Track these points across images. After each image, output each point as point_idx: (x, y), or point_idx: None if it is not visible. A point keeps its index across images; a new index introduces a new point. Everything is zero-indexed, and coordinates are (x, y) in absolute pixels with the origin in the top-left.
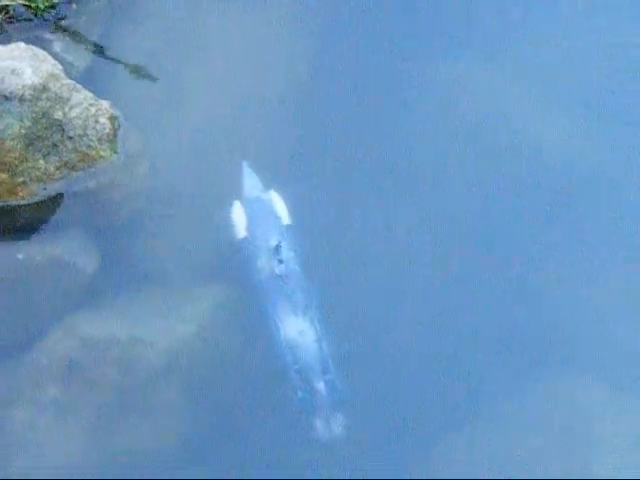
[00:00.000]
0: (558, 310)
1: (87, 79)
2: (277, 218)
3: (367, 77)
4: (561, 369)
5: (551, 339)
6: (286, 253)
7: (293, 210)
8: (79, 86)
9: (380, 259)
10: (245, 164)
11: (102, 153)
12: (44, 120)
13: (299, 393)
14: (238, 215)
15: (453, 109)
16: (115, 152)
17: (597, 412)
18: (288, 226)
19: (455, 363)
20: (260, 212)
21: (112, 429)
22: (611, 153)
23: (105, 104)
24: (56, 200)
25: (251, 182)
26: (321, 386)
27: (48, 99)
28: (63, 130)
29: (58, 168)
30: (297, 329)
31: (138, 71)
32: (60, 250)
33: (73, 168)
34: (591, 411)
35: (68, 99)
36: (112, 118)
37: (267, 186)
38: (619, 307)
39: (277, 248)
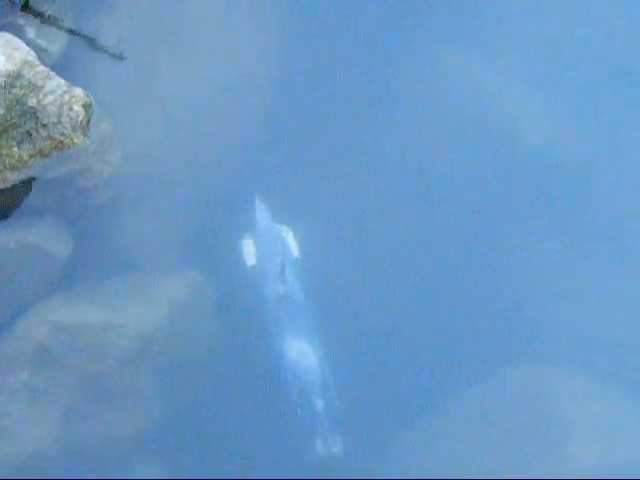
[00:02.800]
0: (536, 297)
1: (61, 65)
2: (286, 249)
3: (346, 66)
4: (538, 356)
5: (529, 326)
6: (290, 277)
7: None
8: (53, 73)
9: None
10: (257, 198)
11: (76, 140)
12: (18, 107)
13: (299, 411)
14: (249, 245)
15: (440, 99)
16: (89, 139)
17: (573, 399)
18: (296, 258)
19: (433, 350)
20: (270, 243)
21: (84, 414)
22: (596, 138)
23: (79, 91)
24: (30, 187)
25: (263, 215)
26: (320, 406)
27: (22, 86)
28: (37, 117)
29: (32, 155)
30: (299, 350)
31: (112, 57)
32: (33, 236)
33: (47, 155)
34: (567, 398)
35: (42, 86)
36: (86, 105)
37: (277, 219)
38: (598, 294)
39: (282, 270)
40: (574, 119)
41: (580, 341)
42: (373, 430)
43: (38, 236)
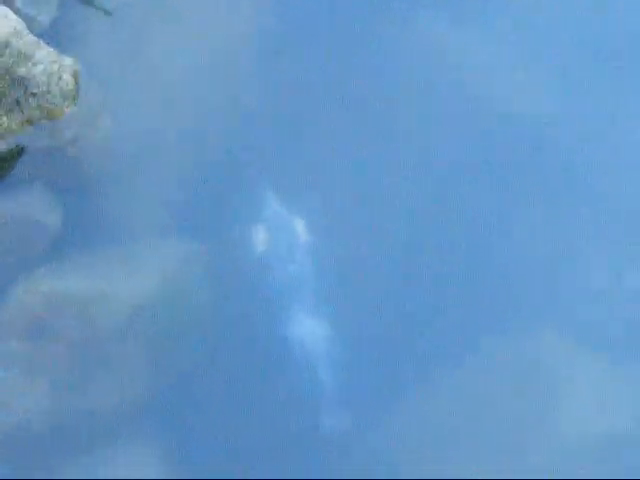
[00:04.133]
0: (527, 265)
1: (50, 34)
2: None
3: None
4: (528, 325)
5: (519, 294)
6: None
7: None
8: (42, 42)
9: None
10: (268, 189)
11: (65, 109)
12: (7, 77)
13: (306, 387)
14: (259, 232)
15: (426, 70)
16: (78, 108)
17: (562, 368)
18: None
19: (424, 320)
20: (279, 230)
21: (76, 384)
22: (582, 110)
23: (68, 60)
24: (18, 156)
25: (273, 204)
26: (328, 380)
27: (11, 55)
28: (26, 87)
29: (21, 125)
30: (307, 328)
31: (102, 26)
32: (23, 206)
33: (36, 124)
34: (555, 367)
35: (31, 56)
36: (75, 74)
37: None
38: (589, 261)
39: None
40: (559, 87)
41: (568, 310)
42: (375, 403)
43: (28, 206)
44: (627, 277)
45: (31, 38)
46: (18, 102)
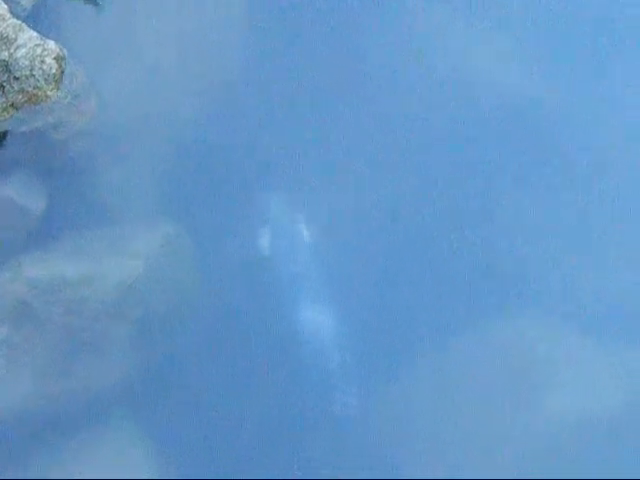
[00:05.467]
0: (521, 248)
1: (33, 18)
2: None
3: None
4: (523, 307)
5: (514, 276)
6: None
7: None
8: (25, 26)
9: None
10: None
11: (49, 93)
12: None
13: (314, 369)
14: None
15: (420, 56)
16: (62, 92)
17: (552, 348)
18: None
19: (420, 300)
20: (284, 232)
21: (62, 369)
22: (568, 92)
23: (52, 44)
24: (2, 141)
25: (278, 209)
26: (336, 362)
27: None
28: (9, 71)
29: (4, 109)
30: (313, 314)
31: (85, 9)
32: (7, 191)
33: (20, 108)
34: (546, 347)
35: (14, 39)
36: (59, 58)
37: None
38: (578, 241)
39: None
40: (547, 62)
41: (560, 290)
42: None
43: (11, 191)
44: (616, 260)
45: (14, 21)
46: (1, 86)
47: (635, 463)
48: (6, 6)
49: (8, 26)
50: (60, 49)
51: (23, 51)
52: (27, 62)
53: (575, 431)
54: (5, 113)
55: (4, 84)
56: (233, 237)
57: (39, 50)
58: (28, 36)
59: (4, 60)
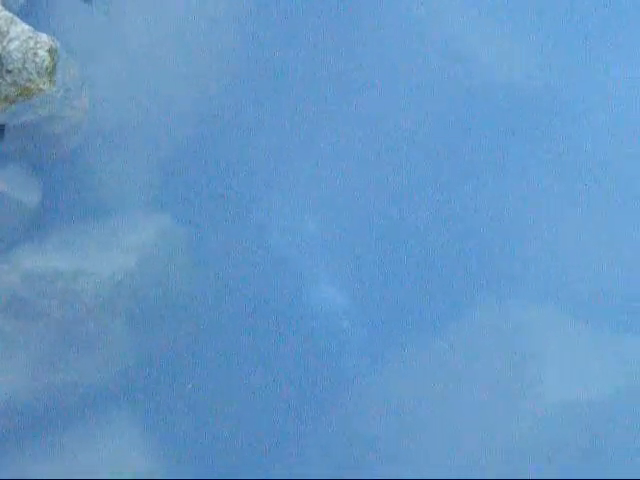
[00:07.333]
0: (508, 230)
1: (26, 11)
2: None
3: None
4: (510, 289)
5: (500, 259)
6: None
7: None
8: (17, 19)
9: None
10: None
11: (42, 86)
12: None
13: (323, 339)
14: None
15: (416, 42)
16: (55, 85)
17: (544, 333)
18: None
19: (407, 283)
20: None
21: (56, 360)
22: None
23: (44, 37)
24: None
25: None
26: (345, 330)
27: None
28: (2, 64)
29: None
30: (322, 293)
31: (78, 2)
32: (1, 184)
33: (13, 101)
34: (538, 332)
35: (6, 32)
36: (51, 51)
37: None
38: (569, 227)
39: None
40: (538, 46)
41: (552, 275)
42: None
43: (5, 184)
44: (610, 242)
45: (6, 14)
46: None
47: (624, 446)
48: None
49: (0, 19)
50: (53, 42)
51: (16, 44)
52: (19, 55)
53: (568, 417)
54: None
55: None
56: (228, 229)
57: (31, 43)
58: (20, 29)
59: None
